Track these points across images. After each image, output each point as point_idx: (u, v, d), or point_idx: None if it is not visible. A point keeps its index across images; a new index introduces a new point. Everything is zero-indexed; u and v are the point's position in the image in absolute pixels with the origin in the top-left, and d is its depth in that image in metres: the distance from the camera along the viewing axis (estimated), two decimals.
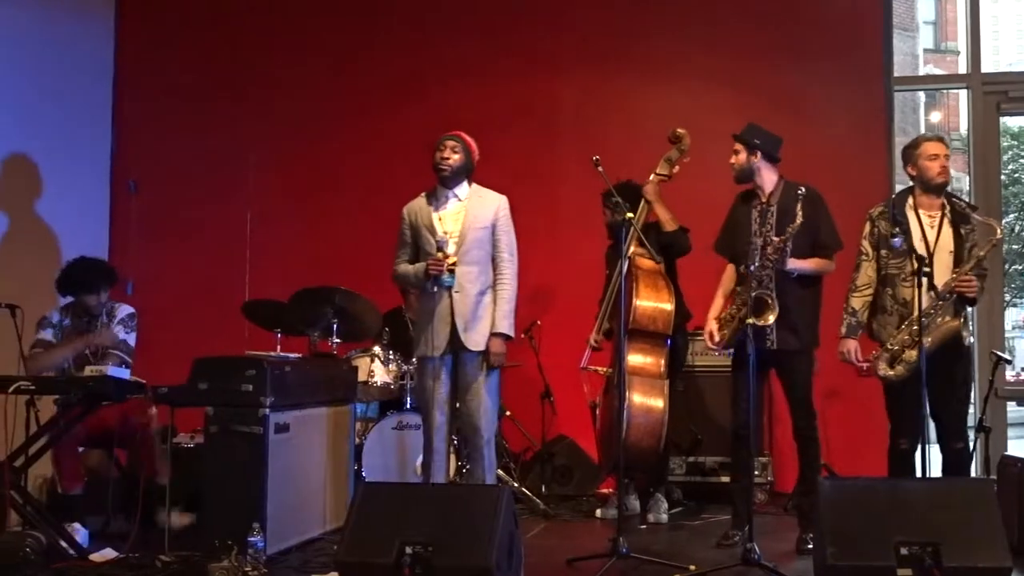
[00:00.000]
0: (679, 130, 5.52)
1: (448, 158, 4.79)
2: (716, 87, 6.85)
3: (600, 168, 4.73)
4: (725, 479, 5.88)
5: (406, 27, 7.24)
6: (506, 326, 4.76)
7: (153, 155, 7.37)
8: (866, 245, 4.74)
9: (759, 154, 4.82)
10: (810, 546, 4.45)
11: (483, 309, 4.74)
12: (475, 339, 4.69)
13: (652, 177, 5.49)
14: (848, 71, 6.72)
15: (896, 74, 6.94)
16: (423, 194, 4.90)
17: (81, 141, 6.99)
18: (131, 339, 5.19)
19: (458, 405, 4.82)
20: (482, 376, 4.71)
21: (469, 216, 4.77)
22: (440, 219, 4.78)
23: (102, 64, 7.27)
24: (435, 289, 4.68)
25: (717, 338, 4.79)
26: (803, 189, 4.64)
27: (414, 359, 5.20)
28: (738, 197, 4.98)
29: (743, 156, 4.84)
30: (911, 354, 4.47)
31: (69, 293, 5.17)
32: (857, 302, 4.73)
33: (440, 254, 4.65)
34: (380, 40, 7.25)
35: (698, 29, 6.93)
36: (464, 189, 4.85)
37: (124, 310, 5.24)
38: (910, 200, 4.69)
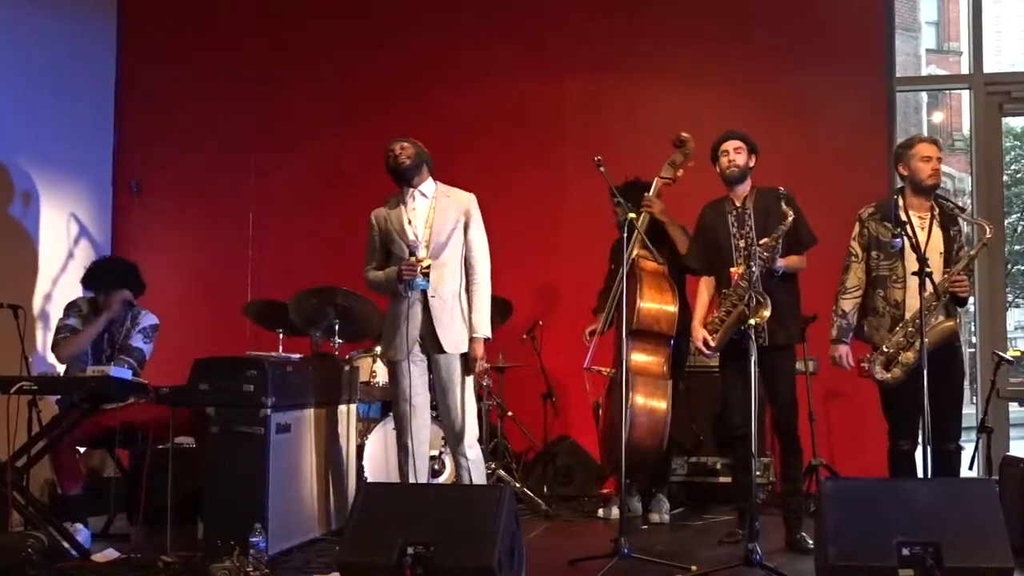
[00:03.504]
0: (683, 135, 5.50)
1: (401, 153, 4.75)
2: (719, 88, 6.85)
3: (602, 168, 4.73)
4: (727, 479, 5.88)
5: (410, 28, 7.24)
6: (485, 329, 4.75)
7: (156, 156, 7.38)
8: (856, 247, 4.71)
9: (754, 158, 4.90)
10: (809, 544, 4.48)
11: (458, 311, 4.71)
12: (452, 341, 4.66)
13: (656, 181, 5.48)
14: (850, 71, 6.72)
15: (898, 74, 6.94)
16: (389, 199, 4.86)
17: (84, 141, 7.01)
18: (147, 349, 5.17)
19: (437, 407, 4.81)
20: (459, 377, 4.70)
21: (439, 215, 4.73)
22: (410, 221, 4.73)
23: (104, 64, 7.29)
24: (408, 293, 4.63)
25: (712, 343, 4.80)
26: (783, 190, 4.68)
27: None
28: (706, 208, 5.00)
29: (745, 156, 4.87)
30: (908, 356, 4.45)
31: (89, 288, 5.18)
32: (847, 304, 4.70)
33: (412, 258, 4.60)
34: (383, 41, 7.25)
35: (701, 31, 6.92)
36: (430, 186, 4.81)
37: (148, 319, 5.23)
38: (900, 201, 4.68)
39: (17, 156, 6.26)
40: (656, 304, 5.25)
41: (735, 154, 4.85)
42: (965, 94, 7.19)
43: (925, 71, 22.06)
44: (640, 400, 5.13)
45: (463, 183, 4.90)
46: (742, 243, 4.76)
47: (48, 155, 6.52)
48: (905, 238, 4.45)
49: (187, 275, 7.17)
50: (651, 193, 5.46)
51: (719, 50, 6.87)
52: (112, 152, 7.34)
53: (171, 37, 7.45)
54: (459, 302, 4.73)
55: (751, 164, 4.88)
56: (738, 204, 4.86)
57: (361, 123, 7.21)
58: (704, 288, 4.95)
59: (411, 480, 4.63)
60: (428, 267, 4.61)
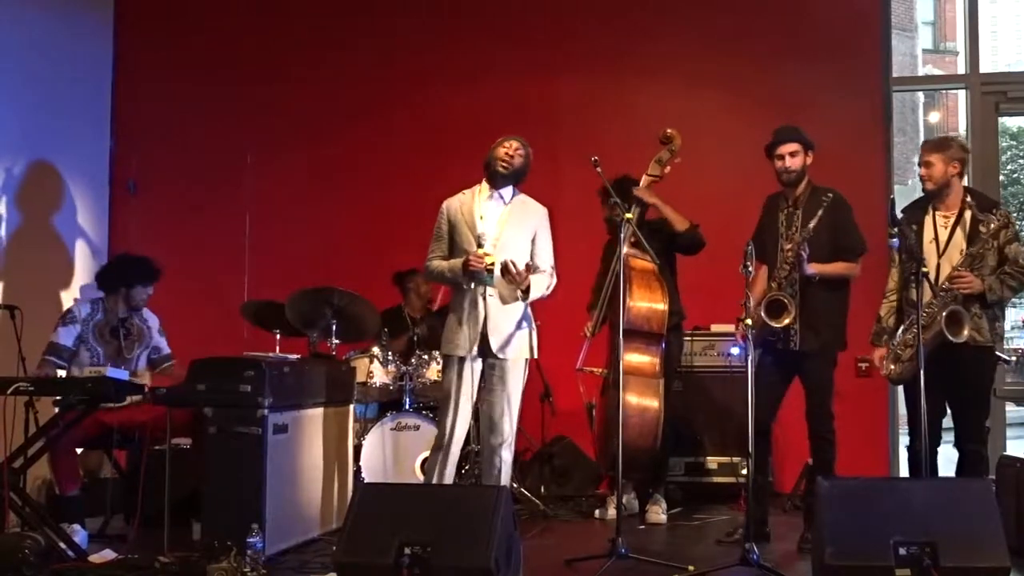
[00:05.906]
0: (669, 131, 5.46)
1: (512, 157, 4.70)
2: (715, 88, 6.86)
3: (599, 168, 4.73)
4: (724, 479, 5.89)
5: (406, 29, 7.24)
6: (534, 284, 4.54)
7: (152, 156, 7.37)
8: (893, 250, 4.72)
9: (811, 154, 4.80)
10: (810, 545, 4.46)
11: (516, 319, 4.64)
12: (505, 348, 4.60)
13: (644, 178, 5.46)
14: (847, 71, 6.72)
15: (895, 74, 6.95)
16: (466, 191, 4.79)
17: (80, 141, 7.00)
18: (165, 344, 5.34)
19: (482, 407, 4.75)
20: (512, 380, 4.65)
21: (512, 222, 4.69)
22: (482, 218, 4.67)
23: (101, 65, 7.28)
24: (472, 287, 4.56)
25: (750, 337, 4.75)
26: (830, 196, 4.62)
27: (438, 355, 5.16)
28: (768, 200, 4.95)
29: (802, 158, 4.78)
30: (908, 353, 4.49)
31: (119, 286, 5.16)
32: (883, 308, 4.75)
33: (480, 250, 4.53)
34: (380, 42, 7.25)
35: (697, 30, 6.93)
36: (509, 191, 4.76)
37: (155, 319, 5.32)
38: (933, 202, 4.68)
39: (13, 156, 6.25)
40: (646, 303, 5.24)
41: (790, 160, 4.75)
42: (961, 94, 7.20)
43: (922, 71, 22.10)
44: (632, 400, 5.13)
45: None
46: (787, 245, 4.70)
47: (44, 155, 6.52)
48: (900, 239, 4.46)
49: (184, 275, 7.13)
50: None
51: (715, 50, 6.87)
52: (108, 152, 7.33)
53: (167, 37, 7.45)
54: (519, 312, 4.66)
55: (808, 163, 4.79)
56: (790, 203, 4.79)
57: (358, 123, 7.22)
58: (761, 277, 4.84)
59: (436, 480, 4.59)
60: (492, 264, 4.52)
